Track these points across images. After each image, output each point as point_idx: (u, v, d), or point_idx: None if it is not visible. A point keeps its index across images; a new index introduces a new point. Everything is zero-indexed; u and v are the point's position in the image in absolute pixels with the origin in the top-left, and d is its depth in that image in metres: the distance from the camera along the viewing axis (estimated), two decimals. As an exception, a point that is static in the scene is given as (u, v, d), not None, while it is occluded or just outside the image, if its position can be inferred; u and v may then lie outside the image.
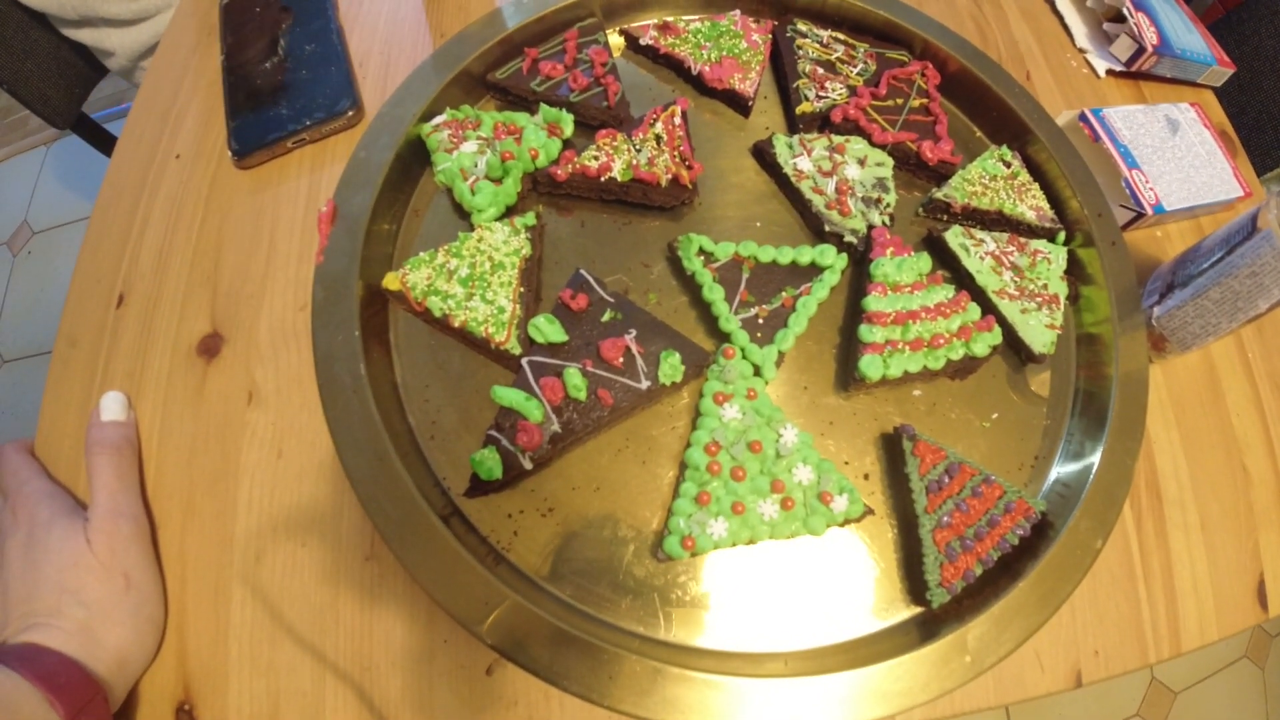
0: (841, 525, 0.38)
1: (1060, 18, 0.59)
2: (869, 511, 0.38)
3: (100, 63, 0.86)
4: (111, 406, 0.41)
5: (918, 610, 0.38)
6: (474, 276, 0.40)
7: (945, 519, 0.37)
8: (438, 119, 0.45)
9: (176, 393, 0.43)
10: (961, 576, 0.36)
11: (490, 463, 0.36)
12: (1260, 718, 1.15)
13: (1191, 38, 0.59)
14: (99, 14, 0.76)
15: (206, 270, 0.47)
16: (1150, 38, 0.55)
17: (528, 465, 0.37)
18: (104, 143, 0.95)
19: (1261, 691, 1.17)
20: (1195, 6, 0.80)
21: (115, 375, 0.44)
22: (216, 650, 0.37)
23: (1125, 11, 0.56)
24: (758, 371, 0.39)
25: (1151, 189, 0.49)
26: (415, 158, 0.45)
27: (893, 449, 0.40)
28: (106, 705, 0.33)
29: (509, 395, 0.37)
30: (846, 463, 0.40)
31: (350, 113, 0.48)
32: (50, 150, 1.52)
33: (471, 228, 0.42)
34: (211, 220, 0.48)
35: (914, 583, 0.38)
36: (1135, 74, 0.58)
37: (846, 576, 0.38)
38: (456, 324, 0.39)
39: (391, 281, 0.40)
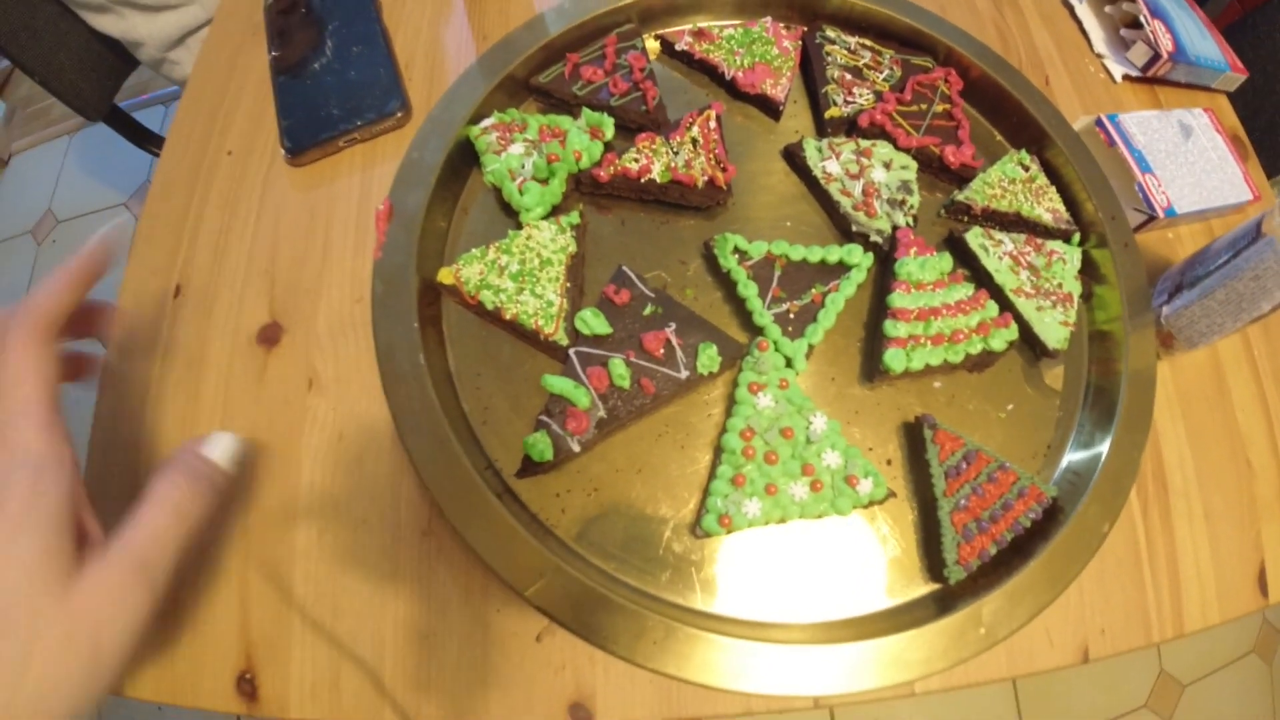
0: (866, 507, 0.40)
1: (1079, 23, 0.61)
2: (891, 494, 0.40)
3: (129, 54, 0.88)
4: (224, 447, 0.32)
5: (936, 587, 0.40)
6: (524, 272, 0.42)
7: (963, 502, 0.40)
8: (486, 122, 0.47)
9: (237, 380, 0.46)
10: (977, 555, 0.39)
11: (542, 445, 0.39)
12: (1268, 712, 1.17)
13: (1206, 44, 0.61)
14: None
15: (263, 264, 0.49)
16: (1166, 44, 0.57)
17: (576, 448, 0.39)
18: (134, 133, 0.97)
19: (1269, 687, 1.19)
20: (1213, 7, 0.82)
21: (174, 364, 0.46)
22: (279, 621, 0.40)
23: (1142, 18, 0.58)
24: (789, 363, 0.42)
25: (1164, 193, 0.51)
26: (463, 158, 0.48)
27: (914, 437, 0.43)
28: None
29: (559, 383, 0.40)
30: (871, 449, 0.42)
31: (399, 114, 0.51)
32: (74, 140, 1.54)
33: (518, 225, 0.45)
34: (266, 216, 0.51)
35: (932, 561, 0.40)
36: (1151, 79, 0.59)
37: (870, 554, 0.41)
38: (508, 316, 0.42)
39: (446, 276, 0.43)
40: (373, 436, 0.44)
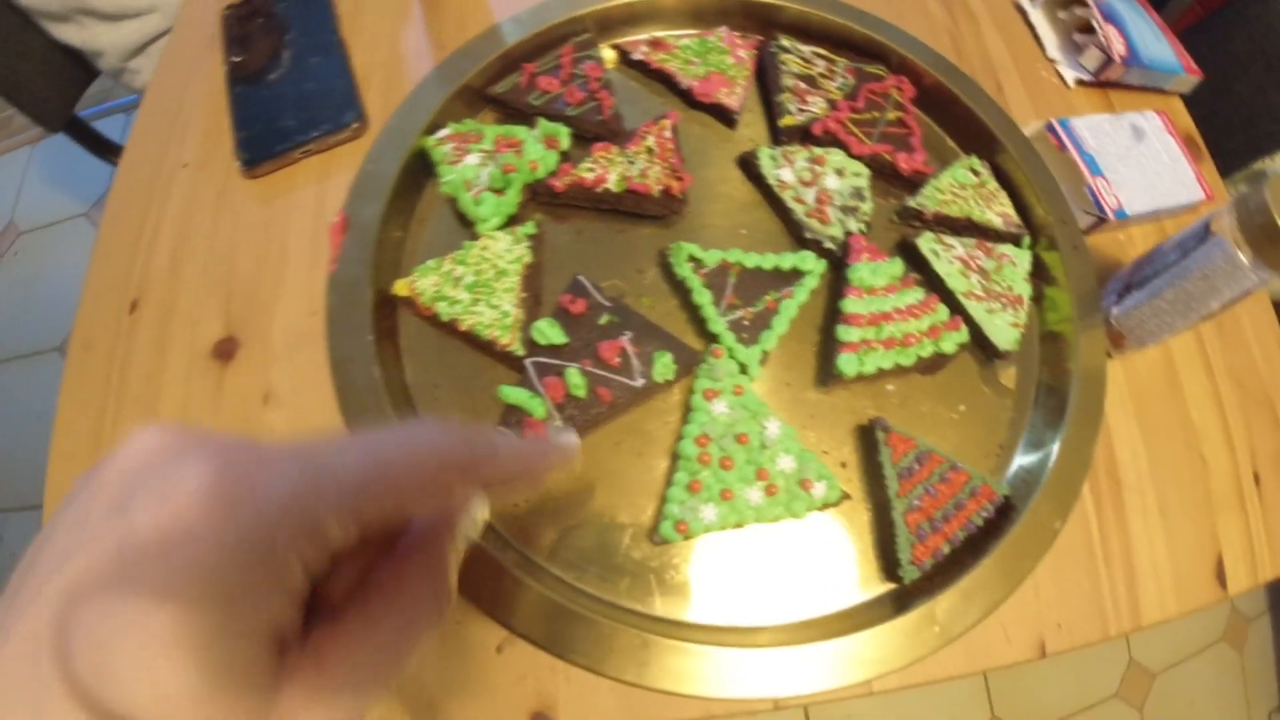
0: (821, 509, 0.41)
1: (1032, 29, 0.62)
2: (846, 496, 0.41)
3: (90, 65, 0.87)
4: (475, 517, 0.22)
5: (891, 586, 0.41)
6: (479, 283, 0.42)
7: (916, 503, 0.40)
8: (442, 132, 0.47)
9: (195, 395, 0.45)
10: (931, 555, 0.40)
11: (497, 457, 0.39)
12: (1238, 699, 1.19)
13: (1160, 47, 0.62)
14: (85, 6, 0.77)
15: (219, 277, 0.49)
16: (1118, 49, 0.59)
17: (532, 459, 0.39)
18: (93, 143, 0.96)
19: (1239, 673, 1.21)
20: (1173, 9, 0.83)
21: (132, 379, 0.46)
22: None
23: (1094, 23, 0.59)
24: (744, 369, 0.42)
25: (1114, 195, 0.52)
26: (420, 169, 0.48)
27: (868, 439, 0.43)
28: None
29: (515, 394, 0.40)
30: (826, 452, 0.43)
31: (355, 124, 0.51)
32: (35, 150, 1.51)
33: (475, 236, 0.45)
34: (222, 228, 0.50)
35: (888, 561, 0.41)
36: (1104, 83, 0.61)
37: (826, 556, 0.41)
38: (464, 328, 0.42)
39: (401, 288, 0.43)
40: (330, 450, 0.43)
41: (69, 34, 0.82)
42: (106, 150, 0.95)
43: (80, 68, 0.88)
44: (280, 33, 0.55)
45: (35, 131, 1.50)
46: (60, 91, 0.88)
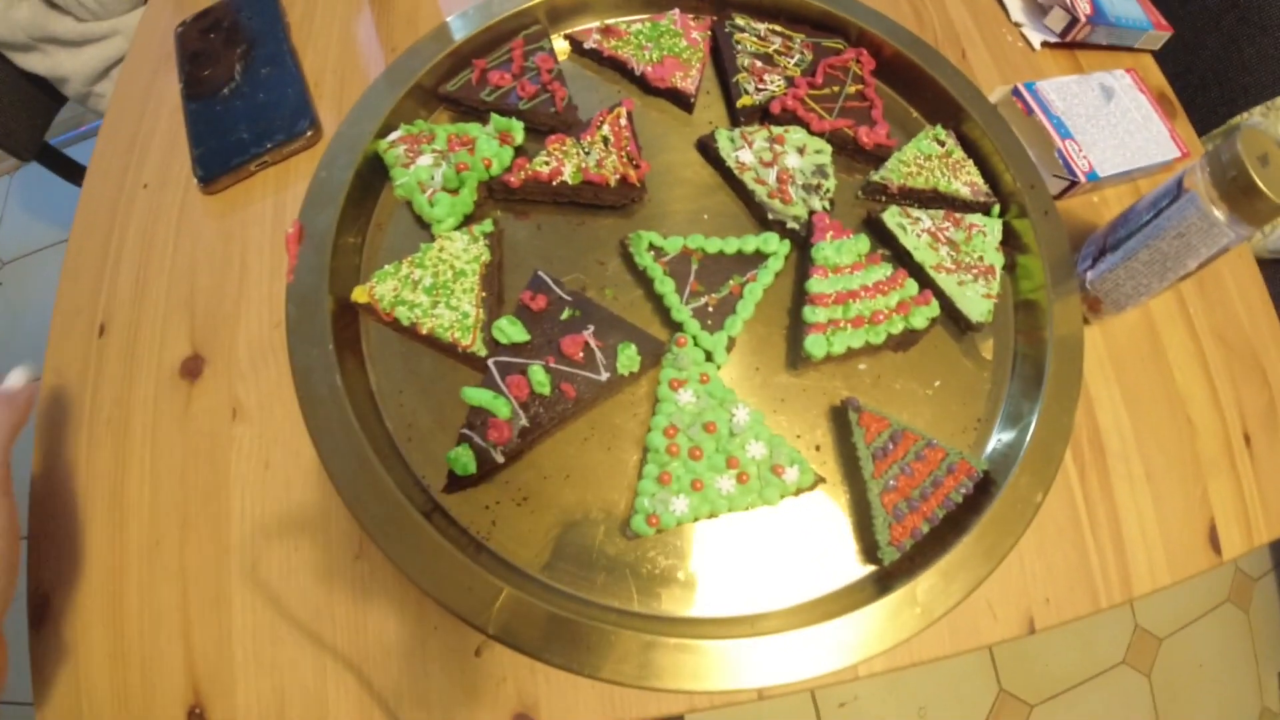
0: (796, 495, 0.40)
1: (995, -7, 0.61)
2: (820, 480, 0.40)
3: (57, 91, 0.87)
4: (13, 376, 0.42)
5: (872, 568, 0.40)
6: (438, 285, 0.42)
7: (891, 483, 0.39)
8: (393, 135, 0.46)
9: (164, 415, 0.45)
10: (910, 535, 0.39)
11: (465, 459, 0.38)
12: (1247, 659, 1.19)
13: (1127, 4, 0.61)
14: (48, 33, 0.77)
15: (183, 295, 0.48)
16: (1083, 8, 0.57)
17: (499, 459, 0.39)
18: (66, 169, 0.96)
19: (1247, 633, 1.20)
20: None
21: (103, 403, 0.46)
22: (222, 653, 0.40)
23: (1056, -17, 0.58)
24: (710, 357, 0.41)
25: (1085, 157, 0.51)
26: (375, 173, 0.47)
27: (841, 421, 0.42)
28: None
29: (478, 395, 0.39)
30: (799, 436, 0.42)
31: (309, 133, 0.50)
32: (14, 179, 1.52)
33: (433, 238, 0.44)
34: (184, 246, 0.50)
35: (867, 543, 0.40)
36: (1070, 44, 0.60)
37: (804, 541, 0.40)
38: (424, 331, 0.41)
39: (360, 295, 0.42)
40: (298, 462, 0.43)
41: (33, 63, 0.82)
42: (79, 176, 0.95)
43: (47, 95, 0.88)
44: (232, 46, 0.55)
45: (11, 162, 1.51)
46: (29, 121, 0.88)
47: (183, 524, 0.43)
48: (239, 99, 0.52)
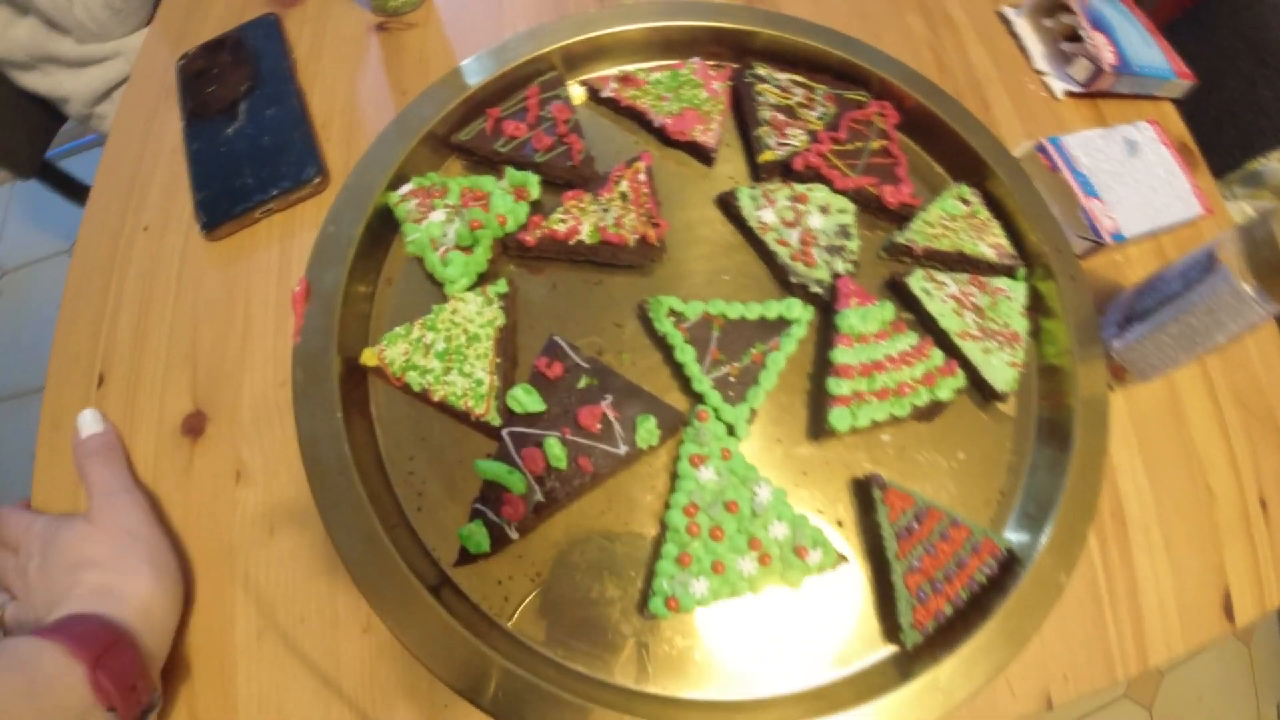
0: (818, 573, 0.39)
1: (1017, 39, 0.60)
2: (843, 560, 0.39)
3: (58, 110, 0.85)
4: (88, 422, 0.43)
5: (894, 648, 0.39)
6: (450, 350, 0.41)
7: (915, 563, 0.39)
8: (405, 188, 0.45)
9: (165, 474, 0.44)
10: (933, 617, 0.38)
11: (478, 537, 0.37)
12: (1247, 692, 1.18)
13: (1150, 51, 0.60)
14: (48, 53, 0.76)
15: (185, 347, 0.47)
16: (1108, 57, 0.56)
17: (514, 535, 0.38)
18: (66, 187, 0.95)
19: (1248, 666, 1.19)
20: (1158, 1, 0.81)
21: (103, 457, 0.45)
22: None
23: (1081, 31, 0.57)
24: (731, 431, 0.40)
25: (1110, 217, 0.50)
26: (385, 225, 0.46)
27: (864, 494, 0.41)
28: (135, 650, 0.34)
29: (492, 469, 0.38)
30: (820, 511, 0.41)
31: (316, 180, 0.49)
32: (15, 188, 1.49)
33: (445, 298, 0.43)
34: (185, 294, 0.48)
35: (889, 623, 0.39)
36: (1094, 93, 0.59)
37: (825, 622, 0.39)
38: (436, 398, 0.40)
39: (370, 358, 0.41)
40: (304, 529, 0.42)
41: (34, 82, 0.80)
42: (80, 194, 0.94)
43: (48, 114, 0.86)
44: (236, 84, 0.53)
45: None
46: (29, 139, 0.86)
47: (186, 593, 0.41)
48: (243, 141, 0.51)
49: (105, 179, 0.54)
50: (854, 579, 0.40)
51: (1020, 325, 0.45)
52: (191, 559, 0.42)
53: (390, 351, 0.41)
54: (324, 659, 0.40)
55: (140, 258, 0.50)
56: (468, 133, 0.48)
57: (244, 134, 0.51)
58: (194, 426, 0.45)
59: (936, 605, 0.38)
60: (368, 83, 0.54)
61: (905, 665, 0.39)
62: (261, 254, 0.49)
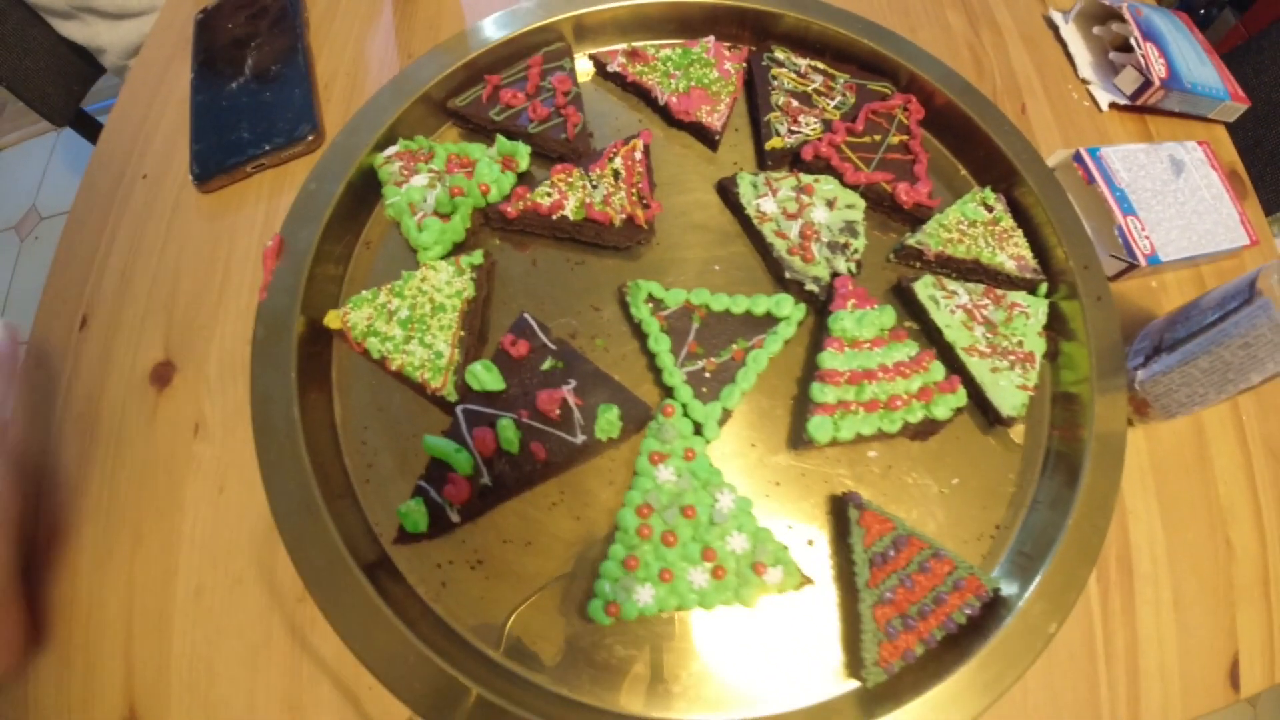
0: (778, 593, 0.36)
1: (1064, 45, 0.56)
2: (807, 582, 0.36)
3: (96, 61, 0.87)
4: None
5: (855, 685, 0.36)
6: (414, 318, 0.39)
7: (888, 595, 0.35)
8: (390, 150, 0.43)
9: (130, 420, 0.43)
10: (900, 657, 0.35)
11: (416, 515, 0.35)
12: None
13: (1204, 70, 0.55)
14: (88, 3, 0.77)
15: (164, 296, 0.46)
16: (1158, 70, 0.52)
17: (455, 519, 0.36)
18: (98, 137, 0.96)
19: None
20: (1216, 30, 0.75)
21: (76, 398, 0.44)
22: (160, 677, 0.38)
23: (1133, 41, 0.52)
24: (699, 430, 0.37)
25: (1147, 237, 0.46)
26: (369, 187, 0.44)
27: (841, 513, 0.38)
28: None
29: (439, 445, 0.36)
30: (790, 527, 0.38)
31: (310, 138, 0.48)
32: (60, 136, 1.54)
33: (418, 264, 0.41)
34: (172, 244, 0.48)
35: (853, 656, 0.36)
36: (1141, 108, 0.54)
37: (784, 644, 0.36)
38: (394, 367, 0.38)
39: (333, 320, 0.40)
40: (252, 491, 0.40)
41: (73, 31, 0.82)
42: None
43: (85, 64, 0.88)
44: (246, 40, 0.53)
45: (52, 122, 1.54)
46: (65, 87, 0.88)
47: (135, 538, 0.41)
48: (245, 95, 0.50)
49: (115, 125, 0.54)
50: (822, 604, 0.37)
51: (1036, 346, 0.41)
52: (144, 507, 0.41)
53: (354, 315, 0.39)
54: (256, 624, 0.38)
55: (136, 205, 0.50)
56: (464, 99, 0.46)
57: (247, 89, 0.50)
58: (162, 375, 0.44)
59: (906, 643, 0.35)
60: (376, 45, 0.53)
61: (869, 704, 0.35)
62: (249, 210, 0.48)
